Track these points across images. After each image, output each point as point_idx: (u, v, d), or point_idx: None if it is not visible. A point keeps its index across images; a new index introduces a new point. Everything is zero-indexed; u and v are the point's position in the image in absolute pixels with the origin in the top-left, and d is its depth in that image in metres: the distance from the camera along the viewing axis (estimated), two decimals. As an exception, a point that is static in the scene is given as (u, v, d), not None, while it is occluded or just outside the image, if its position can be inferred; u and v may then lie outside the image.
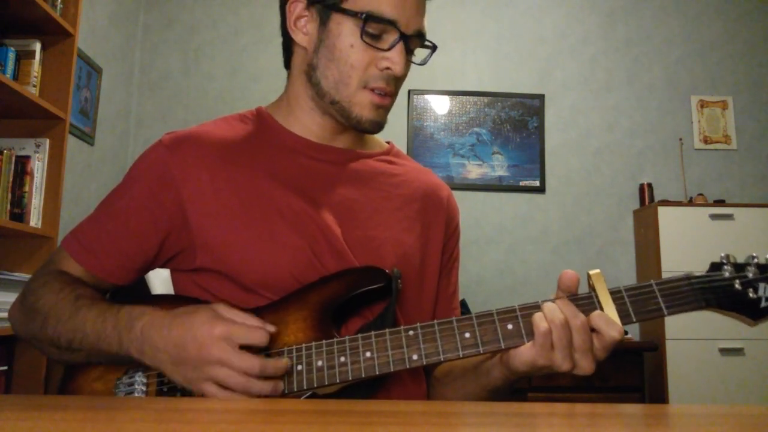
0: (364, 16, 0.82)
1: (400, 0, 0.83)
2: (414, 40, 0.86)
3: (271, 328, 0.72)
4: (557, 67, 3.48)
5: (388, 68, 0.84)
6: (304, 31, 0.89)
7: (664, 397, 2.79)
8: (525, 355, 0.71)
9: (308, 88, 0.90)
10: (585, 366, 0.70)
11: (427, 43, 0.89)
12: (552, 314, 0.70)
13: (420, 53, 0.91)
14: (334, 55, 0.85)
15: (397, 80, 0.87)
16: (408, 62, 0.87)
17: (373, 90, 0.85)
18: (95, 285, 0.87)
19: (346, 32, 0.84)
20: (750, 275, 0.71)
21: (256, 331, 0.70)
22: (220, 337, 0.69)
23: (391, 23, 0.82)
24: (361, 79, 0.85)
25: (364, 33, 0.82)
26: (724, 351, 2.81)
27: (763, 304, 0.70)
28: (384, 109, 0.88)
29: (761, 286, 0.70)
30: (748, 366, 2.79)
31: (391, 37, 0.84)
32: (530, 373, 0.73)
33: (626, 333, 2.96)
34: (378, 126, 0.88)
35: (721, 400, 2.76)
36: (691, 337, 2.83)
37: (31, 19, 2.05)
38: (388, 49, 0.84)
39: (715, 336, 2.81)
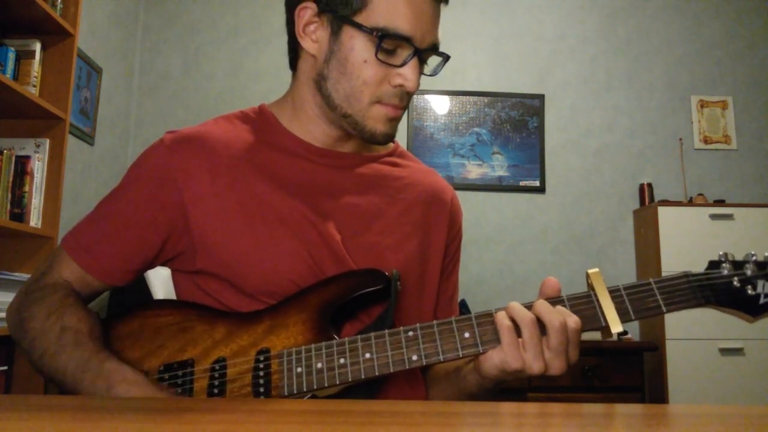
0: (379, 34, 0.78)
1: (417, 14, 0.80)
2: (428, 52, 0.84)
3: None
4: (557, 67, 3.48)
5: (401, 85, 0.82)
6: (314, 38, 0.85)
7: (664, 397, 2.79)
8: (494, 357, 0.71)
9: (316, 97, 0.88)
10: (558, 366, 0.70)
11: (440, 52, 0.87)
12: (518, 312, 0.70)
13: (431, 62, 0.89)
14: (346, 69, 0.82)
15: (410, 95, 0.85)
16: (420, 75, 0.84)
17: (386, 104, 0.84)
18: (92, 286, 0.87)
19: (359, 47, 0.81)
20: (748, 272, 0.71)
21: None
22: None
23: (406, 39, 0.80)
24: (374, 95, 0.82)
25: (379, 50, 0.79)
26: (724, 351, 2.81)
27: (762, 300, 0.70)
28: (396, 121, 0.87)
29: (760, 282, 0.71)
30: (748, 366, 2.79)
31: (405, 52, 0.81)
32: (502, 377, 0.73)
33: (626, 333, 2.97)
34: (390, 138, 0.87)
35: (721, 400, 2.76)
36: (691, 337, 2.82)
37: (31, 19, 2.05)
38: (402, 65, 0.81)
39: (715, 336, 2.81)
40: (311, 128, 0.91)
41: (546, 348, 0.69)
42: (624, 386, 2.70)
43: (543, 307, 0.71)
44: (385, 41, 0.79)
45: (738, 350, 2.81)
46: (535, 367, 0.69)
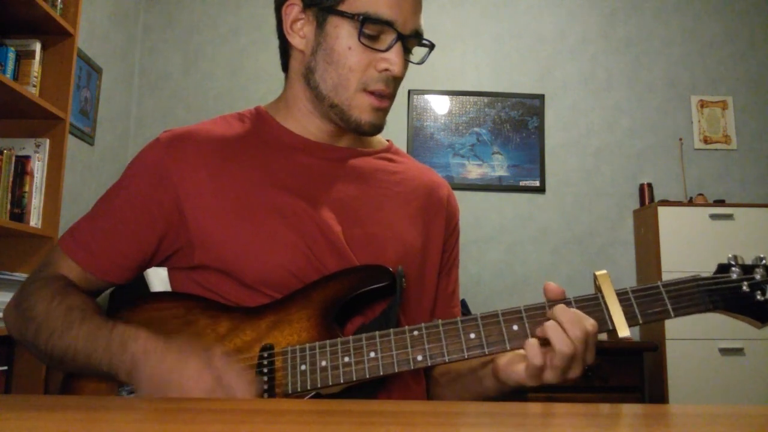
0: (361, 18, 0.81)
1: (398, 0, 0.82)
2: (411, 39, 0.86)
3: (261, 386, 0.72)
4: (557, 67, 3.48)
5: (386, 69, 0.84)
6: (301, 34, 0.88)
7: (664, 397, 2.79)
8: (513, 375, 0.73)
9: (307, 91, 0.90)
10: (575, 373, 0.71)
11: (424, 41, 0.89)
12: (559, 341, 0.69)
13: (418, 52, 0.91)
14: (332, 58, 0.85)
15: (396, 81, 0.87)
16: (406, 62, 0.87)
17: (372, 93, 0.85)
18: (92, 284, 0.87)
19: (343, 35, 0.84)
20: (758, 277, 0.70)
21: (244, 390, 0.70)
22: (205, 391, 0.69)
23: (388, 24, 0.82)
24: (360, 82, 0.84)
25: (361, 35, 0.82)
26: (724, 351, 2.81)
27: None
28: (383, 112, 0.88)
29: None
30: (748, 366, 2.79)
31: (389, 37, 0.84)
32: (521, 387, 0.75)
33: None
34: (377, 129, 0.89)
35: (721, 400, 2.76)
36: (691, 337, 2.82)
37: (31, 19, 2.05)
38: (386, 50, 0.83)
39: (715, 336, 2.81)
40: (306, 124, 0.92)
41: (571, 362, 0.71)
42: (624, 386, 2.70)
43: (565, 316, 0.70)
44: (368, 26, 0.82)
45: (738, 350, 2.81)
46: (552, 381, 0.71)
